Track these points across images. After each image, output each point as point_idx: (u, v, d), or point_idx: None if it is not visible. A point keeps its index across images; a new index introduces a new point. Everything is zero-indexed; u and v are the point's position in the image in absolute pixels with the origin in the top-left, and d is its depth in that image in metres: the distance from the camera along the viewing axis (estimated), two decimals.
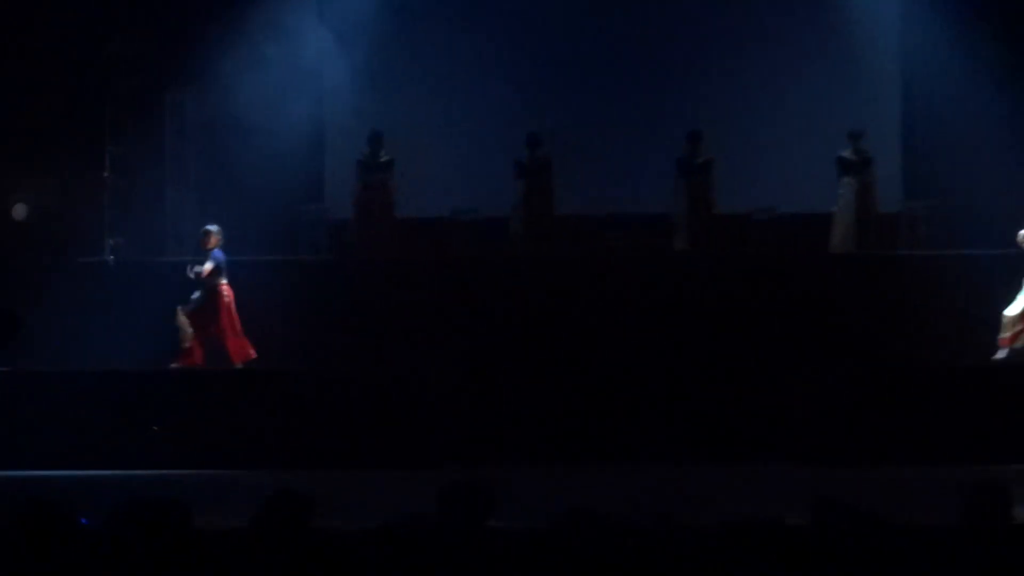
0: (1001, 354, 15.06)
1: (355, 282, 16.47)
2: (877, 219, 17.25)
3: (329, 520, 7.72)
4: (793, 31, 18.78)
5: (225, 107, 18.33)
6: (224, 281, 15.53)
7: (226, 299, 15.48)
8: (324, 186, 18.86)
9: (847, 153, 17.11)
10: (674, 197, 17.25)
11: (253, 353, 15.37)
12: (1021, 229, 15.33)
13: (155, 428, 13.67)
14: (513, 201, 17.36)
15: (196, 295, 15.48)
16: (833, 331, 15.36)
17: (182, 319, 15.32)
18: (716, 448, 13.68)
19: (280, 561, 5.13)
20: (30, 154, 17.61)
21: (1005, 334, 15.09)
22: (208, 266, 15.30)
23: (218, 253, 15.52)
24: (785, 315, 15.61)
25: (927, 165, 18.32)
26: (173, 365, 15.23)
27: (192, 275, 15.33)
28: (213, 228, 15.73)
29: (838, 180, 17.14)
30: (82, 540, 5.29)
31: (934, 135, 18.24)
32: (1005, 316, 15.16)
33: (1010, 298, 15.18)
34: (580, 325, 15.34)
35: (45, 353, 15.26)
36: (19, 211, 17.57)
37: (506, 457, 12.98)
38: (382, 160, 17.26)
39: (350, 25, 18.78)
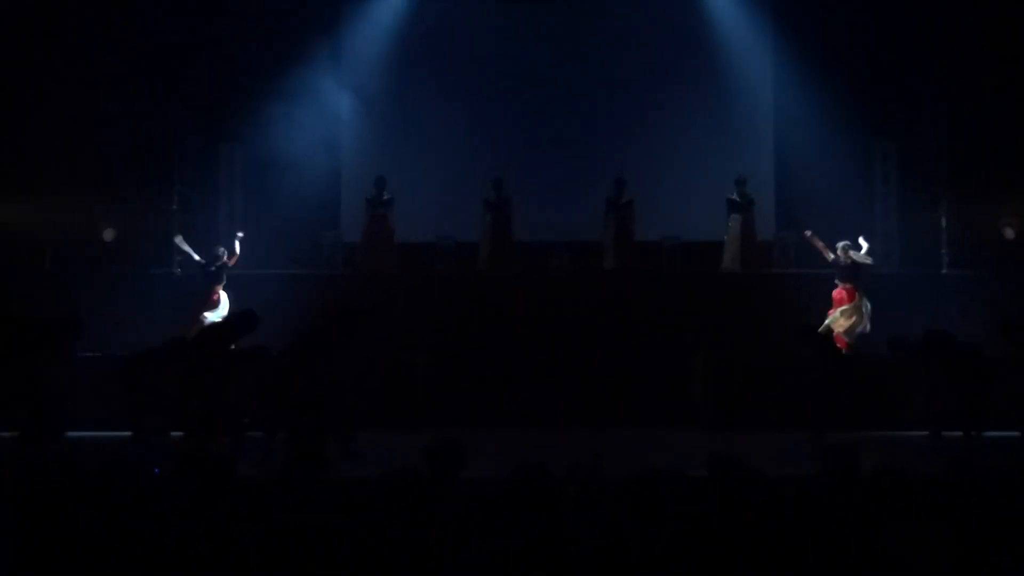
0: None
1: (363, 291, 16.37)
2: (757, 246, 17.30)
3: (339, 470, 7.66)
4: (694, 101, 18.88)
5: (265, 155, 18.32)
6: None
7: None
8: (340, 217, 18.80)
9: (734, 195, 17.15)
10: (604, 227, 17.27)
11: None
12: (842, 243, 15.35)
13: None
14: (482, 230, 17.36)
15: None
16: (725, 329, 15.38)
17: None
18: (634, 416, 13.64)
19: (302, 502, 5.08)
20: (118, 192, 17.55)
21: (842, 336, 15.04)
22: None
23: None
24: (688, 317, 15.62)
25: (794, 203, 18.40)
26: None
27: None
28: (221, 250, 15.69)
29: (728, 215, 17.18)
30: (154, 485, 5.24)
31: (799, 180, 18.35)
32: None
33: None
34: (532, 324, 15.31)
35: (125, 341, 15.18)
36: (108, 234, 17.50)
37: (475, 423, 12.89)
38: (385, 199, 17.24)
39: (361, 94, 18.87)
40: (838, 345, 14.43)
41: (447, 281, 16.71)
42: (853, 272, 14.94)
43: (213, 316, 15.04)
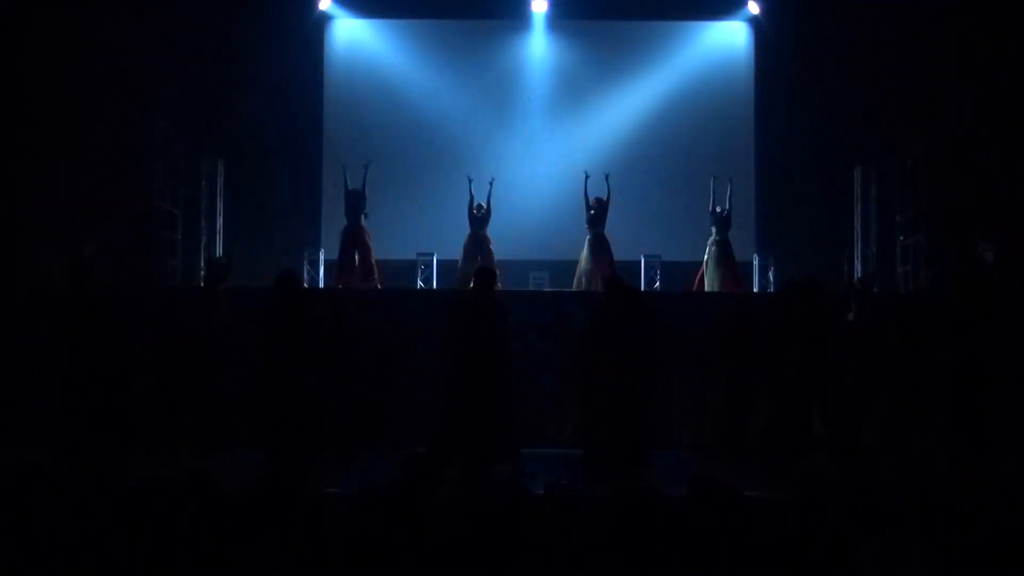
0: None
1: (344, 308, 16.34)
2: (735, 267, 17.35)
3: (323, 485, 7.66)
4: (674, 128, 19.02)
5: (246, 173, 18.37)
6: None
7: None
8: (321, 234, 18.79)
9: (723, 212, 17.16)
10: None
11: None
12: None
13: None
14: (463, 247, 17.31)
15: None
16: (703, 350, 15.40)
17: None
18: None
19: (282, 515, 5.09)
20: (98, 208, 17.48)
21: None
22: None
23: None
24: (667, 338, 15.63)
25: (774, 225, 18.53)
26: None
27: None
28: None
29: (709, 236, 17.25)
30: (130, 499, 5.24)
31: (779, 203, 18.48)
32: None
33: None
34: (509, 341, 15.25)
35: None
36: (86, 250, 17.41)
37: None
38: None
39: (346, 138, 18.95)
40: None
41: (427, 297, 16.69)
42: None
43: None
